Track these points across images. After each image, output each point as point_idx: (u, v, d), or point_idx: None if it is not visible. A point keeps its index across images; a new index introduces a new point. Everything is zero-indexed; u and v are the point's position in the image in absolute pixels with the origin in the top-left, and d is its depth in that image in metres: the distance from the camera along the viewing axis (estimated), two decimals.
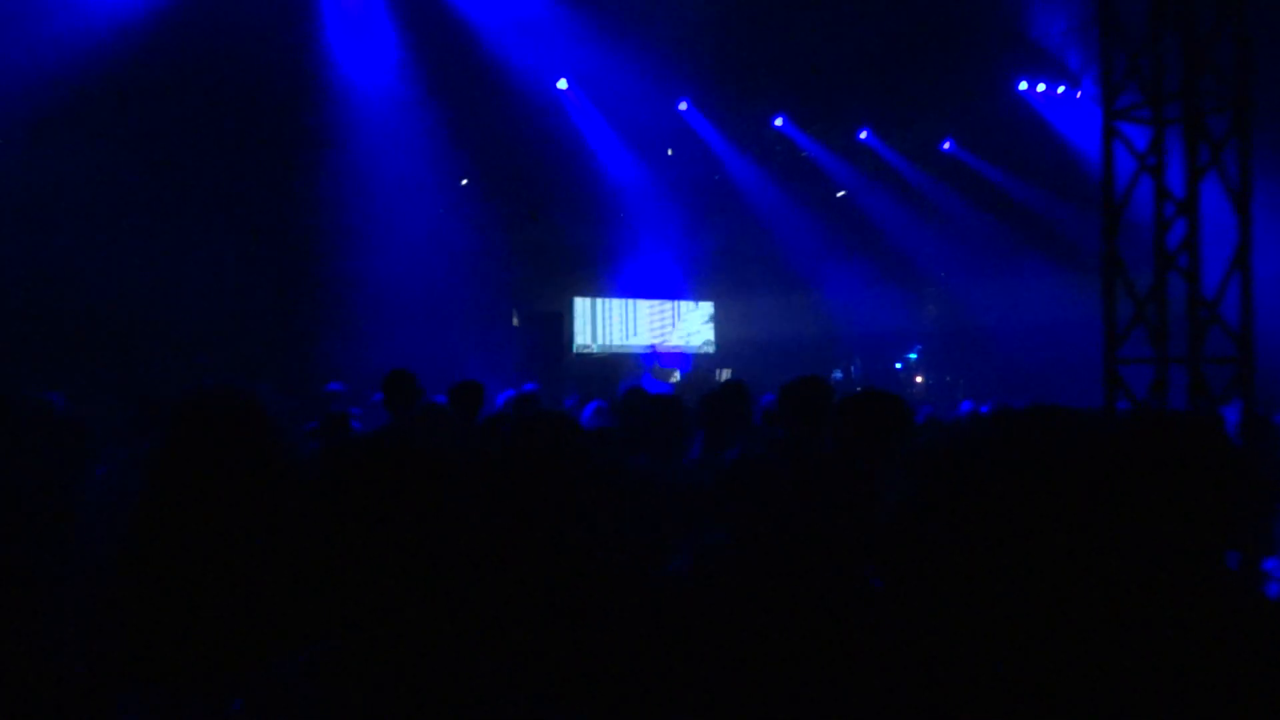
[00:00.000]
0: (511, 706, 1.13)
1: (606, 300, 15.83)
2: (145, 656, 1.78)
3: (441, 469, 1.14)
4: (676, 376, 14.65)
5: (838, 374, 15.60)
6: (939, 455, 0.85)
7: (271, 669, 1.18)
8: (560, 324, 14.38)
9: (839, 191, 15.27)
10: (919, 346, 17.12)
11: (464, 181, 12.53)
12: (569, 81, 12.49)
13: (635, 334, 15.99)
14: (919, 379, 16.97)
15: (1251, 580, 4.47)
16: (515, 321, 13.94)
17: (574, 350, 15.24)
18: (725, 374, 13.82)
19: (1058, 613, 0.79)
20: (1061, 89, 13.56)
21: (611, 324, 15.92)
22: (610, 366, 14.66)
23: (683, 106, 13.53)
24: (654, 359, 14.84)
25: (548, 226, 14.00)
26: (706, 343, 16.61)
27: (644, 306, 16.11)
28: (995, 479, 0.81)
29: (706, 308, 16.70)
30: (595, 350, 15.58)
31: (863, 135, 14.60)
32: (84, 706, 1.85)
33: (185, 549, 1.79)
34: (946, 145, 14.90)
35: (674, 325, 16.39)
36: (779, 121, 14.07)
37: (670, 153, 14.35)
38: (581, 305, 15.62)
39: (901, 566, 0.84)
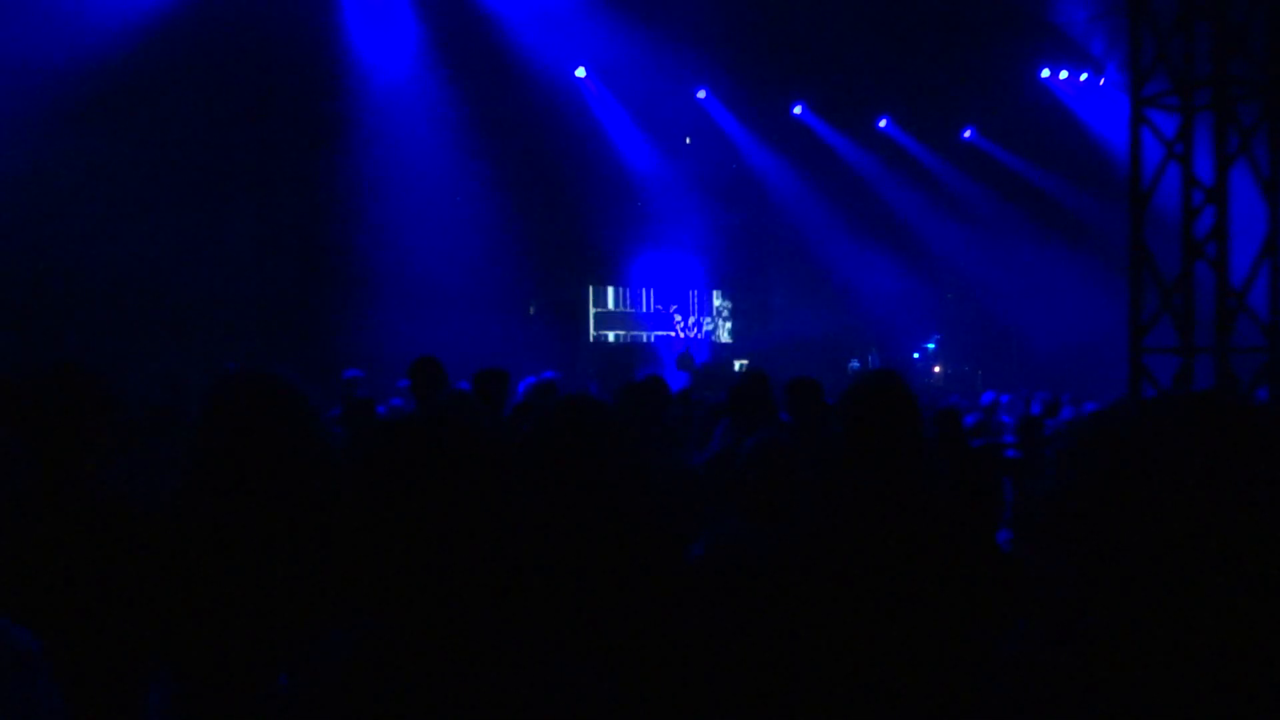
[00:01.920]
0: (541, 689, 1.14)
1: (624, 289, 15.83)
2: (181, 645, 1.81)
3: (480, 452, 1.16)
4: (693, 365, 14.65)
5: (855, 363, 15.54)
6: (1115, 440, 0.84)
7: (312, 650, 1.20)
8: (577, 312, 14.38)
9: (856, 180, 15.14)
10: (938, 336, 17.02)
11: None
12: (587, 69, 12.46)
13: (654, 323, 15.99)
14: (937, 369, 16.89)
15: None
16: (532, 310, 13.97)
17: (592, 339, 15.26)
18: (743, 364, 13.80)
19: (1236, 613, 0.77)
20: (1085, 76, 13.40)
21: (630, 313, 15.93)
22: (628, 356, 14.67)
23: (701, 95, 13.47)
24: (679, 346, 14.84)
25: (566, 214, 14.00)
26: (725, 333, 16.58)
27: (662, 296, 16.10)
28: (1184, 470, 0.79)
29: (724, 298, 16.67)
30: (613, 340, 15.60)
31: (882, 124, 14.49)
32: (117, 696, 1.87)
33: (227, 535, 1.81)
34: (967, 134, 14.77)
35: (692, 315, 16.38)
36: (798, 110, 13.99)
37: (689, 141, 14.29)
38: (599, 294, 15.62)
39: (1069, 548, 0.84)
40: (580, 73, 12.43)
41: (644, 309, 16.00)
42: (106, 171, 9.11)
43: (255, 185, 10.54)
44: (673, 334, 15.78)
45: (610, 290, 15.77)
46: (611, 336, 15.71)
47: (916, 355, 17.05)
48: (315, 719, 1.14)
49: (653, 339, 15.64)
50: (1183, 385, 5.03)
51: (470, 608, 1.12)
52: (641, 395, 3.99)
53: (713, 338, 16.33)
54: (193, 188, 9.94)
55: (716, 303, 16.65)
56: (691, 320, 16.29)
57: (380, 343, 9.81)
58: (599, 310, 15.62)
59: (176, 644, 1.79)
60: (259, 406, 1.89)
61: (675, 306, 16.17)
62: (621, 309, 15.91)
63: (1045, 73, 13.37)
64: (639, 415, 3.73)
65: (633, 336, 15.75)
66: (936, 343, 16.93)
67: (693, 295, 16.38)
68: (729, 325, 16.70)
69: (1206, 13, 4.88)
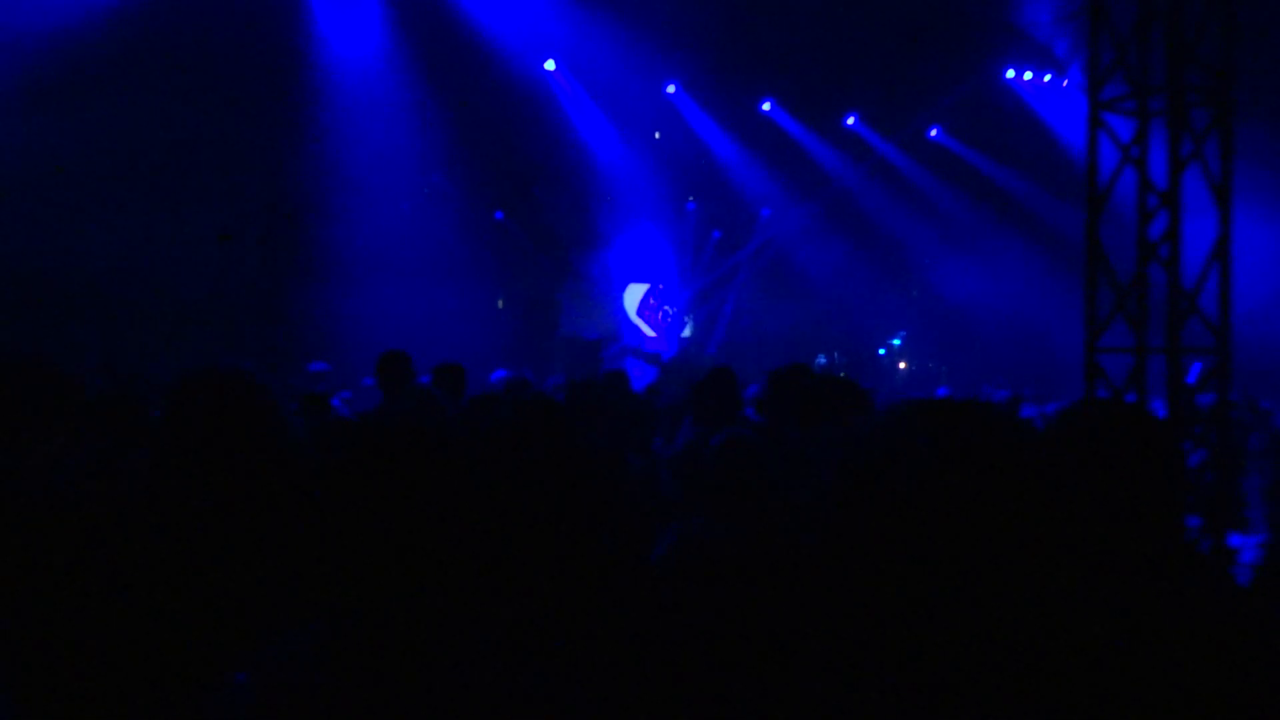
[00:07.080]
0: (507, 687, 1.16)
1: (592, 283, 15.81)
2: (135, 642, 1.79)
3: (443, 451, 1.17)
4: (659, 360, 14.68)
5: (821, 359, 15.68)
6: (868, 440, 0.95)
7: (271, 648, 1.21)
8: (546, 306, 14.34)
9: (823, 176, 15.21)
10: (903, 333, 17.23)
11: None
12: (557, 62, 12.42)
13: (621, 317, 15.99)
14: (902, 365, 17.10)
15: (1220, 557, 4.57)
16: (500, 304, 13.91)
17: (560, 334, 15.24)
18: (710, 359, 13.86)
19: (994, 601, 0.89)
20: (1048, 77, 13.59)
21: (597, 307, 15.91)
22: (595, 350, 14.67)
23: (670, 90, 13.48)
24: (638, 342, 14.86)
25: (534, 208, 13.94)
26: (691, 327, 16.63)
27: (630, 290, 16.10)
28: (915, 468, 0.90)
29: (691, 293, 16.72)
30: (581, 334, 15.58)
31: (850, 121, 14.60)
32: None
33: (189, 530, 1.79)
34: (933, 132, 14.93)
35: (659, 309, 16.40)
36: (766, 106, 14.05)
37: (657, 136, 14.30)
38: (568, 288, 15.59)
39: (833, 546, 0.98)
40: (550, 65, 12.38)
41: (615, 304, 16.00)
42: (63, 159, 8.91)
43: (217, 174, 10.38)
44: (637, 328, 15.80)
45: (581, 285, 15.76)
46: (581, 331, 15.70)
47: (882, 351, 17.24)
48: (275, 717, 1.14)
49: (623, 335, 15.66)
50: (1136, 384, 5.14)
51: (430, 607, 1.14)
52: (597, 390, 4.00)
53: (680, 333, 16.38)
54: (153, 176, 9.76)
55: (683, 297, 16.69)
56: (660, 316, 16.32)
57: (344, 334, 9.73)
58: (572, 305, 15.61)
59: (131, 641, 1.78)
60: (222, 402, 1.88)
61: (644, 300, 16.18)
62: (592, 304, 15.90)
63: (1010, 73, 13.55)
64: (592, 409, 3.74)
65: (603, 331, 15.75)
66: (902, 339, 17.13)
67: (660, 290, 16.42)
68: (695, 320, 16.76)
69: (1163, 20, 4.98)
